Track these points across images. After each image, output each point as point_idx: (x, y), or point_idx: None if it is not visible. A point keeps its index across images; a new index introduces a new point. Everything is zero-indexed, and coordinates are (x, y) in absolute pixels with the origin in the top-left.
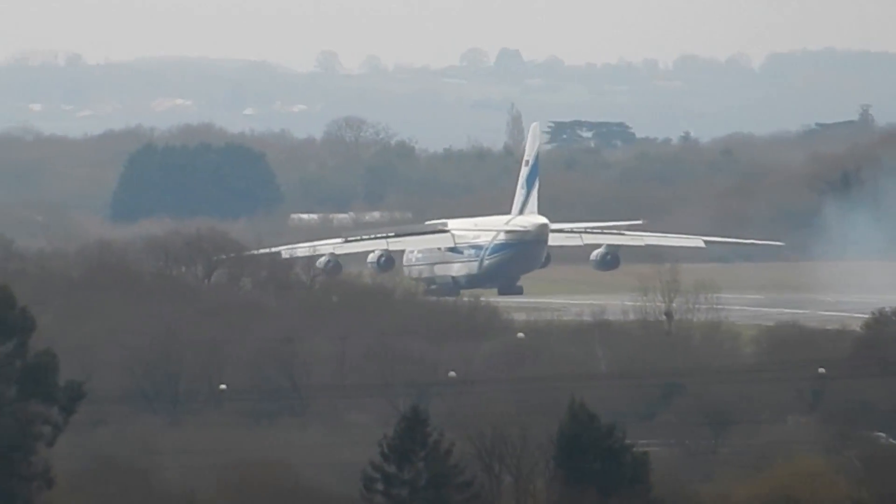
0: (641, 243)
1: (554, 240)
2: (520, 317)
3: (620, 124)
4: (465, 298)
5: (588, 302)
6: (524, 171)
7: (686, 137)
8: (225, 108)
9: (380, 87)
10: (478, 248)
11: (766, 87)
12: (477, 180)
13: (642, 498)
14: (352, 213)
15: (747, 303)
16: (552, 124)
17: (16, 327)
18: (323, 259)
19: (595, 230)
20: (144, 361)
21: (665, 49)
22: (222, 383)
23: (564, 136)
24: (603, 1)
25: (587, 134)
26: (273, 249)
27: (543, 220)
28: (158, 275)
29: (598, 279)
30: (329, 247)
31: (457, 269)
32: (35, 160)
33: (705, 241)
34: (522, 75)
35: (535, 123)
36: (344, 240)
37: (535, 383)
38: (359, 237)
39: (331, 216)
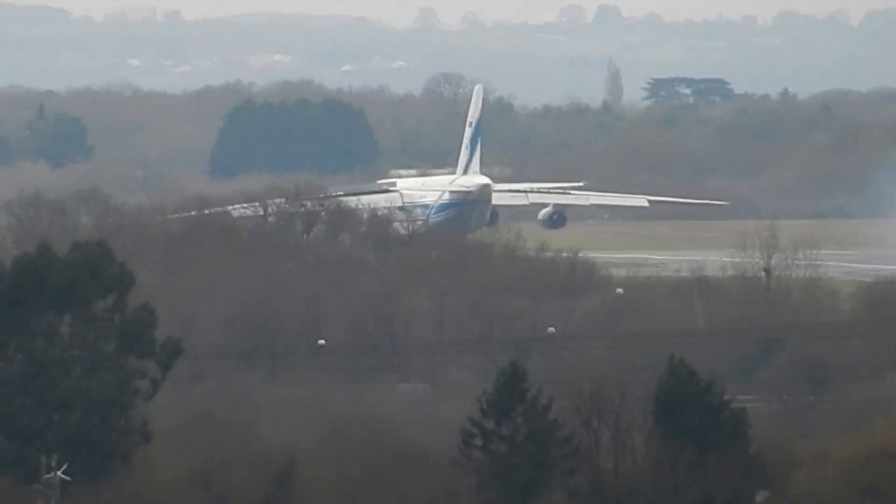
0: (586, 202)
1: (499, 199)
2: (619, 273)
3: (719, 80)
4: (564, 254)
5: (686, 258)
6: (468, 132)
7: (785, 94)
8: (324, 65)
9: (478, 44)
10: (424, 207)
11: (865, 44)
12: (575, 137)
13: (741, 454)
14: (450, 169)
15: (845, 259)
16: (651, 81)
17: (114, 283)
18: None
19: (542, 190)
20: (243, 317)
21: (764, 5)
22: (321, 339)
23: (663, 93)
24: None
25: (686, 90)
26: (223, 209)
27: (486, 180)
28: (257, 230)
29: (697, 235)
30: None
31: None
32: (134, 116)
33: (649, 201)
34: (621, 32)
35: (479, 85)
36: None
37: (634, 339)
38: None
39: (429, 172)
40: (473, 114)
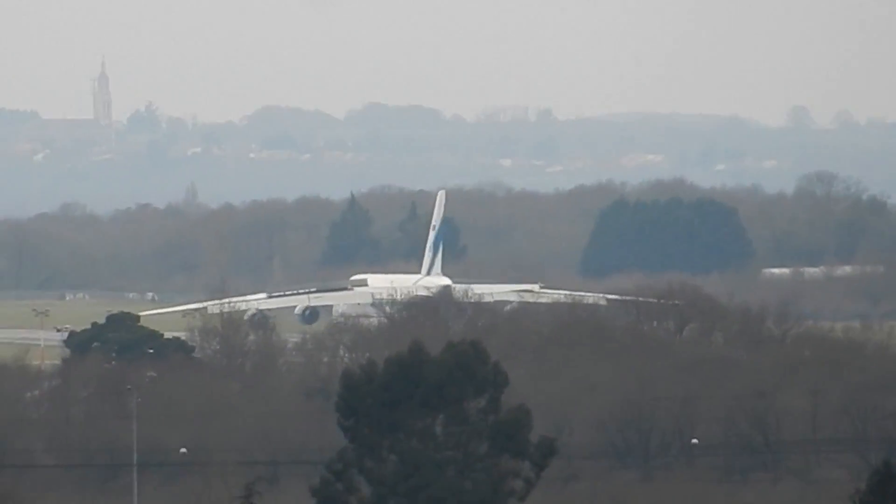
0: (549, 300)
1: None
2: None
3: None
4: None
5: None
6: (431, 235)
7: None
8: (696, 164)
9: (851, 142)
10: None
11: None
12: None
13: None
14: (823, 268)
15: None
16: None
17: (488, 382)
18: (249, 313)
19: (501, 292)
20: (617, 416)
21: None
22: (694, 438)
23: None
24: None
25: None
26: (201, 305)
27: (447, 281)
28: (630, 329)
29: None
30: (254, 302)
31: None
32: (506, 215)
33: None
34: None
35: (441, 191)
36: (268, 295)
37: None
38: (282, 293)
39: (802, 270)
40: (437, 217)
